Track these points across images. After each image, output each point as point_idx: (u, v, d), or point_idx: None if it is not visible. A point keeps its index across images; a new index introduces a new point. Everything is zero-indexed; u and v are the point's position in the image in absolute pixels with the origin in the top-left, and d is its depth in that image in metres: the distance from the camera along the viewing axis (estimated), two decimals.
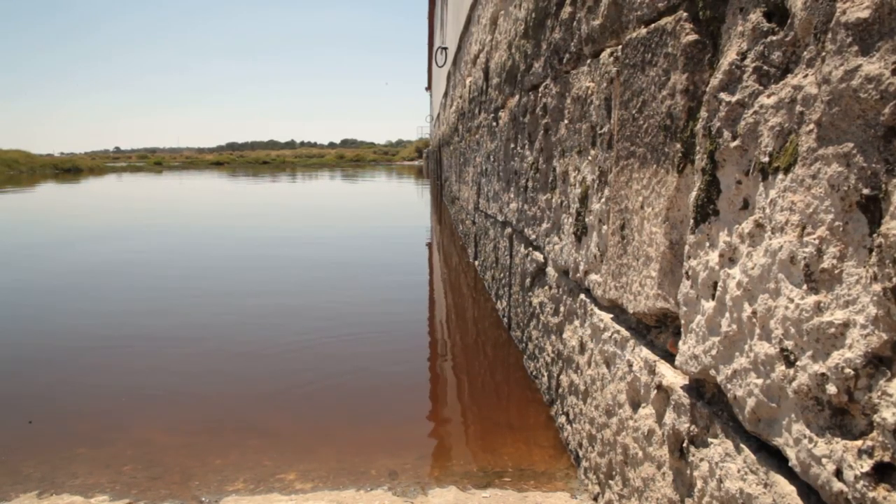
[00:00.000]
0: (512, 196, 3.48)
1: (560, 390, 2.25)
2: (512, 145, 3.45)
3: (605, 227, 1.71)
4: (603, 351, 1.70)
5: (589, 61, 1.92)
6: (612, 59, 1.67)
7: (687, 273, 1.15)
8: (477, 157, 5.74)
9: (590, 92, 1.89)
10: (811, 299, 0.78)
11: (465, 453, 2.12)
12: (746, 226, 0.95)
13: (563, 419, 2.19)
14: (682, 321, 1.17)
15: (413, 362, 3.17)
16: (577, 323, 2.03)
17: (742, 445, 0.95)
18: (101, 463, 2.01)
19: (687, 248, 1.16)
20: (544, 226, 2.57)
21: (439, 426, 2.36)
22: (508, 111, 3.61)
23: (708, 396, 1.10)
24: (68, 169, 43.19)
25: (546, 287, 2.55)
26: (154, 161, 70.44)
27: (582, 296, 1.97)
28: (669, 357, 1.33)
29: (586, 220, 1.90)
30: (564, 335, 2.20)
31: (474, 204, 5.95)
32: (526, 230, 3.02)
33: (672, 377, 1.24)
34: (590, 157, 1.88)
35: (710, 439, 1.05)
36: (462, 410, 2.54)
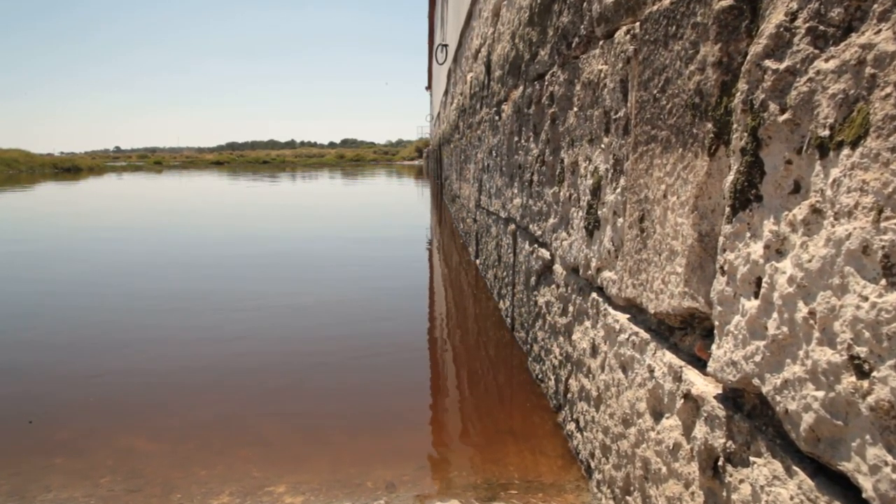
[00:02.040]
0: (515, 191, 3.35)
1: (569, 395, 2.12)
2: (516, 138, 3.32)
3: (620, 219, 1.58)
4: (618, 354, 1.56)
5: (601, 43, 1.78)
6: (628, 37, 1.53)
7: (721, 268, 1.02)
8: (478, 153, 5.60)
9: (602, 75, 1.75)
10: (891, 297, 0.64)
11: (467, 463, 1.98)
12: (799, 212, 0.81)
13: (572, 426, 2.05)
14: (716, 322, 1.04)
15: (412, 364, 3.03)
16: (588, 324, 1.90)
17: (795, 468, 0.81)
18: (78, 474, 1.87)
19: (721, 239, 1.02)
20: (551, 221, 2.44)
21: (439, 433, 2.23)
22: (512, 103, 3.48)
23: (748, 408, 0.97)
24: (68, 168, 43.07)
25: (553, 286, 2.42)
26: (154, 161, 70.29)
27: (594, 295, 1.83)
28: (696, 362, 1.19)
29: (599, 213, 1.77)
30: (574, 337, 2.06)
31: (475, 201, 5.81)
32: (531, 226, 2.89)
33: (702, 385, 1.10)
34: (603, 146, 1.74)
35: (751, 458, 0.92)
36: (463, 416, 2.41)
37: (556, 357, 2.34)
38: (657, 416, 1.31)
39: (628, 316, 1.55)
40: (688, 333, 1.26)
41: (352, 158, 67.85)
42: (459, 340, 3.46)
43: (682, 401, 1.17)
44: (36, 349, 3.22)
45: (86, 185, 22.74)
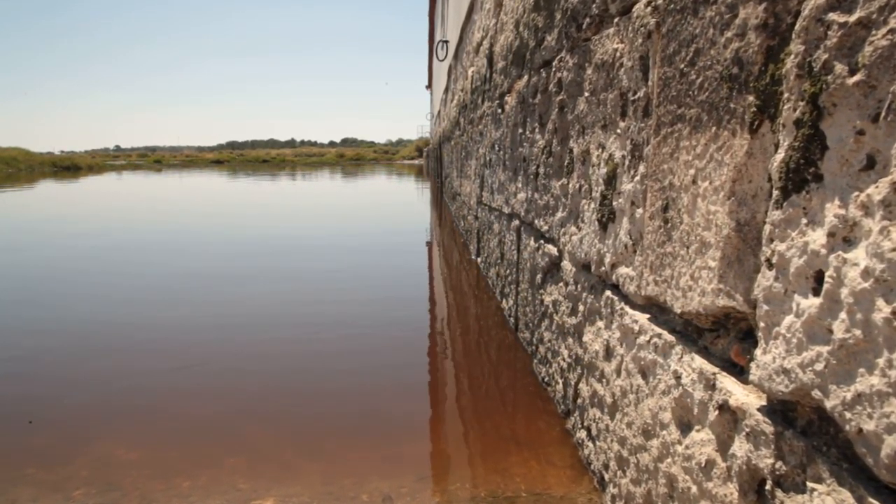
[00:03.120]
0: (520, 185, 3.21)
1: (579, 401, 1.98)
2: (520, 130, 3.18)
3: (639, 210, 1.44)
4: (638, 358, 1.43)
5: (616, 20, 1.64)
6: (649, 9, 1.39)
7: (768, 261, 0.88)
8: (480, 148, 5.46)
9: (619, 55, 1.61)
10: None
11: (469, 474, 1.84)
12: (876, 191, 0.67)
13: (582, 434, 1.91)
14: (760, 324, 0.90)
15: (411, 368, 2.89)
16: (600, 324, 1.76)
17: (872, 501, 0.67)
18: (49, 486, 1.73)
19: (768, 228, 0.89)
20: (559, 215, 2.30)
21: (440, 440, 2.09)
22: (516, 94, 3.34)
23: (801, 424, 0.83)
24: (67, 167, 42.92)
25: (561, 283, 2.28)
26: (154, 159, 70.13)
27: (608, 293, 1.69)
28: (731, 368, 1.05)
29: (614, 204, 1.63)
30: (585, 338, 1.92)
31: (477, 198, 5.68)
32: (536, 221, 2.75)
33: (742, 395, 0.97)
34: (618, 131, 1.60)
35: (809, 483, 0.78)
36: (465, 422, 2.27)
37: (564, 359, 2.20)
38: (685, 427, 1.17)
39: (648, 316, 1.42)
40: (720, 336, 1.12)
41: (352, 158, 67.66)
42: (460, 341, 3.33)
43: (717, 412, 1.03)
44: (16, 348, 3.08)
45: (83, 184, 22.60)
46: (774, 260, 0.87)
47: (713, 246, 1.07)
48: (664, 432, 1.25)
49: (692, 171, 1.15)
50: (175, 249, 6.53)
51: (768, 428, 0.87)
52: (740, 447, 0.94)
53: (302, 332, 3.40)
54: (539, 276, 2.68)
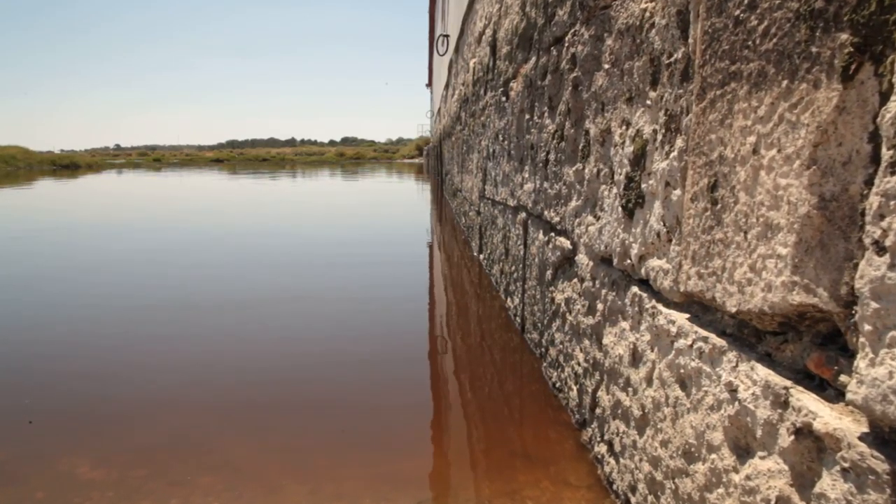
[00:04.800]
0: (527, 175, 3.00)
1: (597, 411, 1.77)
2: (527, 116, 2.97)
3: (676, 191, 1.23)
4: (675, 365, 1.21)
5: None
6: None
7: (878, 243, 0.67)
8: (482, 140, 5.25)
9: (648, 14, 1.40)
10: None
11: (475, 496, 1.63)
12: None
13: (602, 449, 1.70)
14: (865, 326, 0.69)
15: (409, 372, 2.68)
16: (625, 325, 1.55)
17: None
18: None
19: (876, 200, 0.67)
20: (572, 204, 2.09)
21: (441, 457, 1.88)
22: (522, 78, 3.13)
23: None
24: (66, 165, 42.71)
25: (575, 280, 2.07)
26: (153, 158, 69.83)
27: (634, 289, 1.48)
28: (807, 381, 0.84)
29: (643, 186, 1.42)
30: (604, 340, 1.71)
31: (479, 192, 5.46)
32: (546, 213, 2.53)
33: (832, 419, 0.75)
34: (648, 102, 1.39)
35: None
36: (469, 435, 2.05)
37: (579, 363, 1.99)
38: (743, 452, 0.96)
39: (687, 316, 1.20)
40: (789, 341, 0.91)
41: (352, 156, 67.34)
42: (461, 343, 3.11)
43: (793, 437, 0.82)
44: None
45: (81, 183, 22.40)
46: (888, 242, 0.65)
47: (784, 229, 0.85)
48: (713, 456, 1.04)
49: (752, 139, 0.94)
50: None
51: (880, 465, 0.66)
52: (833, 487, 0.73)
53: (289, 333, 3.19)
54: (549, 273, 2.47)
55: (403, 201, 13.77)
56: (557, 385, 2.29)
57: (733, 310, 0.99)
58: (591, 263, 1.89)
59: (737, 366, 0.99)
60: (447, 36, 11.81)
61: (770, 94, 0.89)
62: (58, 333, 3.19)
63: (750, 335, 1.00)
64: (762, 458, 0.90)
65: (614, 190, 1.63)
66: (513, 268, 3.46)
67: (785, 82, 0.86)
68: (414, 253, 6.20)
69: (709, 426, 1.06)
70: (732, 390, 0.99)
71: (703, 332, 1.11)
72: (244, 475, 1.70)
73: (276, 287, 4.27)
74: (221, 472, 1.72)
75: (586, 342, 1.91)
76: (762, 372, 0.91)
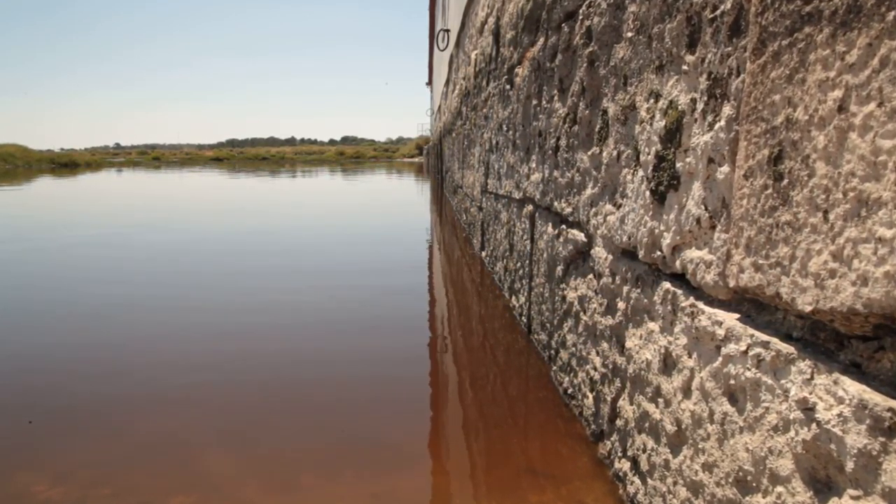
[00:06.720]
0: (534, 165, 2.80)
1: (618, 422, 1.57)
2: (534, 102, 2.77)
3: (723, 168, 1.04)
4: (723, 374, 1.02)
5: None
6: None
7: None
8: (485, 133, 5.05)
9: None
10: None
11: None
12: None
13: (624, 466, 1.51)
14: None
15: (407, 376, 2.49)
16: (653, 326, 1.35)
17: None
18: None
19: None
20: (588, 192, 1.90)
21: (440, 474, 1.68)
22: (528, 63, 2.93)
23: None
24: (65, 164, 42.48)
25: (591, 276, 1.87)
26: (153, 157, 69.53)
27: (666, 284, 1.29)
28: None
29: (677, 165, 1.22)
30: (627, 343, 1.52)
31: (481, 187, 5.27)
32: (556, 204, 2.34)
33: None
34: (685, 67, 1.20)
35: None
36: (471, 449, 1.85)
37: (595, 368, 1.80)
38: (823, 487, 0.76)
39: (737, 315, 1.01)
40: (886, 348, 0.71)
41: (352, 156, 67.01)
42: (462, 344, 2.92)
43: None
44: None
45: (79, 182, 22.20)
46: None
47: (889, 203, 0.66)
48: (780, 489, 0.84)
49: (836, 94, 0.74)
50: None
51: None
52: None
53: (279, 333, 3.00)
54: (560, 268, 2.27)
55: (403, 200, 13.57)
56: (569, 391, 2.09)
57: (808, 308, 0.80)
58: (609, 257, 1.70)
59: (812, 378, 0.79)
60: (447, 30, 11.62)
61: (864, 35, 0.70)
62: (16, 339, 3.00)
63: (828, 340, 0.81)
64: (855, 498, 0.70)
65: (640, 173, 1.43)
66: (518, 264, 3.27)
67: (892, 14, 0.66)
68: (414, 253, 6.00)
69: (772, 451, 0.87)
70: (808, 409, 0.79)
71: (762, 336, 0.91)
72: (220, 495, 1.50)
73: (269, 290, 4.08)
74: (195, 490, 1.52)
75: (604, 345, 1.72)
76: (853, 388, 0.72)
